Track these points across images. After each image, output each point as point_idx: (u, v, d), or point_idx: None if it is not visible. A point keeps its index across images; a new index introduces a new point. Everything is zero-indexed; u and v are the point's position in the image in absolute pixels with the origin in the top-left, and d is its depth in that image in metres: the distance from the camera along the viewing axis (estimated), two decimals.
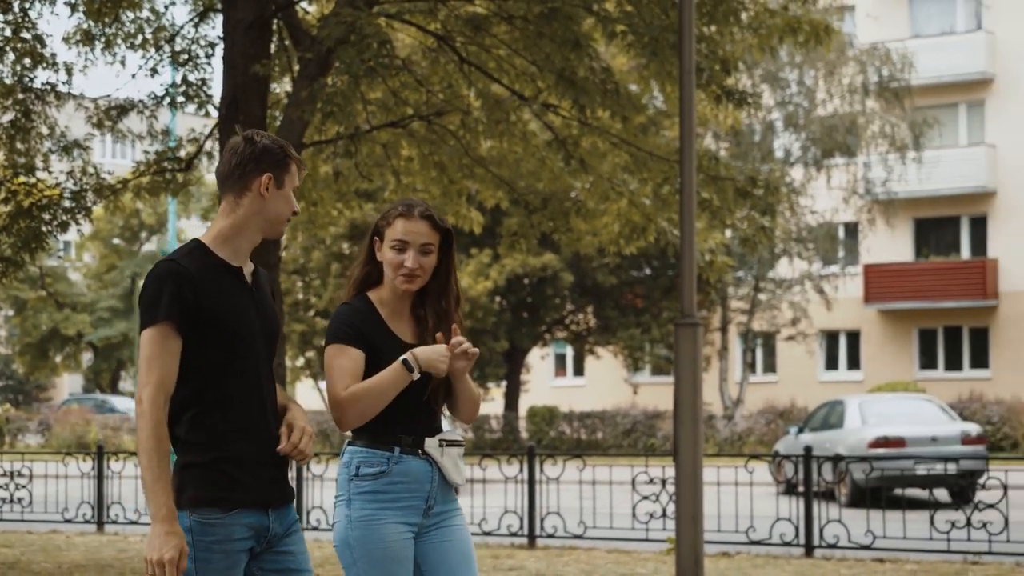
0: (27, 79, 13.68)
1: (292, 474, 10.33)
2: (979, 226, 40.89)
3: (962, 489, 19.11)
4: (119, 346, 56.72)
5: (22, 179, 13.70)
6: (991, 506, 13.51)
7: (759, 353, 43.84)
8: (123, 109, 14.55)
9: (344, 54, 11.79)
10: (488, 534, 15.18)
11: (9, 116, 13.83)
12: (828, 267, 40.21)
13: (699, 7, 12.71)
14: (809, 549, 14.05)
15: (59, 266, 55.50)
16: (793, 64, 37.09)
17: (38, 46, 13.53)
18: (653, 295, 37.97)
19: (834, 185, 38.19)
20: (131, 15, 14.41)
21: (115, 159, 54.31)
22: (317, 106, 12.12)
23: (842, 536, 13.95)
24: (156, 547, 4.06)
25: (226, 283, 4.30)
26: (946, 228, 41.58)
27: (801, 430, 23.88)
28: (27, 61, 13.58)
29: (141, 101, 14.49)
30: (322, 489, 16.07)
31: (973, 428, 21.82)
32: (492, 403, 41.42)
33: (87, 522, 17.29)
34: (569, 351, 45.95)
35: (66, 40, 14.38)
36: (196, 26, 14.66)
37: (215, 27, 14.80)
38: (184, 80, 14.43)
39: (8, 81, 13.67)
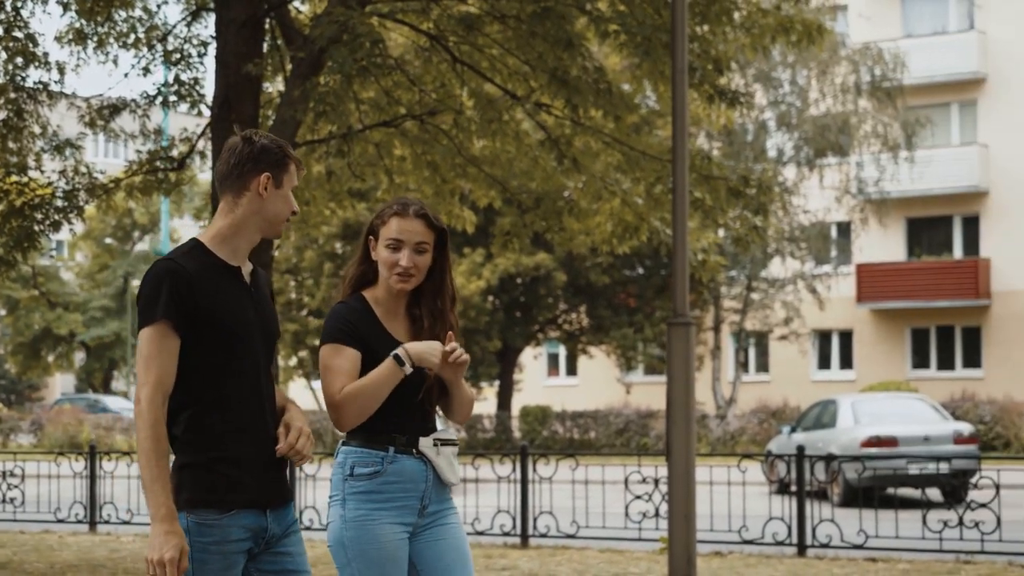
0: (19, 78, 13.67)
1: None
2: (971, 226, 40.94)
3: (954, 488, 19.13)
4: (111, 346, 56.69)
5: (14, 178, 13.69)
6: (983, 505, 13.52)
7: (752, 352, 43.88)
8: (115, 108, 14.53)
9: (337, 53, 11.78)
10: (481, 534, 15.18)
11: (1, 115, 13.81)
12: (821, 267, 40.23)
13: (692, 7, 12.72)
14: (802, 548, 14.06)
15: (51, 265, 55.46)
16: (786, 64, 37.11)
17: (30, 45, 13.52)
18: (646, 294, 37.98)
19: (827, 185, 38.22)
20: (123, 14, 14.40)
21: (107, 158, 54.23)
22: (310, 105, 12.11)
23: (835, 535, 13.96)
24: (156, 547, 4.06)
25: (224, 283, 4.30)
26: (938, 228, 41.63)
27: (794, 429, 23.90)
28: (19, 60, 13.56)
29: (133, 100, 14.48)
30: (315, 489, 16.05)
31: (965, 427, 21.84)
32: (485, 403, 41.42)
33: (79, 522, 17.27)
34: (562, 350, 45.96)
35: (58, 39, 14.37)
36: (188, 25, 14.65)
37: (208, 26, 14.79)
38: (176, 79, 14.42)
39: (0, 80, 13.65)
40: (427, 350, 4.70)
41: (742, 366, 40.83)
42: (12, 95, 13.70)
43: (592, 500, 15.71)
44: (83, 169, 13.95)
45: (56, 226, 13.46)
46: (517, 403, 40.47)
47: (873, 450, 20.19)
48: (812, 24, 13.39)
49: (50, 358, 55.87)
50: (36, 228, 13.25)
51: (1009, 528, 13.43)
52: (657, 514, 14.33)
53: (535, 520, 15.17)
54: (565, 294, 37.93)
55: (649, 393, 41.03)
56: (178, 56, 14.45)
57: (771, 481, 17.22)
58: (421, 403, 4.79)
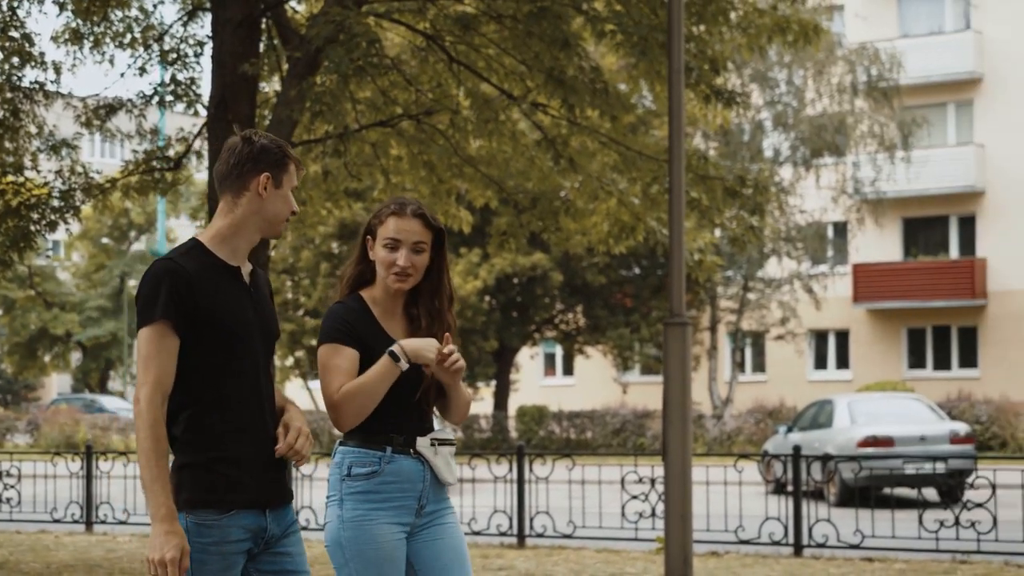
0: (15, 78, 13.65)
1: None
2: (968, 226, 40.96)
3: (951, 488, 19.13)
4: (108, 346, 56.67)
5: (10, 178, 13.67)
6: (979, 505, 13.53)
7: (748, 352, 43.89)
8: (112, 108, 14.52)
9: (333, 53, 11.78)
10: (477, 534, 15.17)
11: None
12: (817, 267, 40.25)
13: (688, 6, 12.72)
14: (798, 548, 14.06)
15: (48, 265, 55.44)
16: (782, 64, 37.12)
17: (26, 45, 13.50)
18: (642, 294, 37.99)
19: (823, 185, 38.24)
20: (120, 14, 14.38)
21: (104, 158, 54.24)
22: (306, 105, 12.11)
23: (831, 535, 13.96)
24: (157, 547, 4.05)
25: (224, 283, 4.29)
26: (935, 228, 41.66)
27: (790, 429, 23.90)
28: (15, 60, 13.54)
29: (130, 100, 14.47)
30: (311, 489, 16.04)
31: (962, 427, 21.86)
32: (481, 403, 41.42)
33: (76, 522, 17.25)
34: (558, 350, 45.97)
35: (54, 39, 14.35)
36: (185, 25, 14.64)
37: (204, 26, 14.79)
38: (173, 79, 14.41)
39: None
40: (423, 346, 4.69)
41: (738, 366, 40.84)
42: (8, 95, 13.68)
43: (588, 500, 15.71)
44: (79, 169, 13.94)
45: (52, 226, 13.45)
46: (513, 403, 40.47)
47: (869, 450, 20.20)
48: (808, 24, 13.39)
49: (46, 358, 55.84)
50: (32, 228, 13.23)
51: (1005, 528, 13.44)
52: (653, 514, 14.33)
53: (531, 520, 15.16)
54: (561, 294, 37.94)
55: (645, 393, 41.03)
56: (174, 56, 14.44)
57: (767, 481, 17.21)
58: (418, 403, 4.78)
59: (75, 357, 59.16)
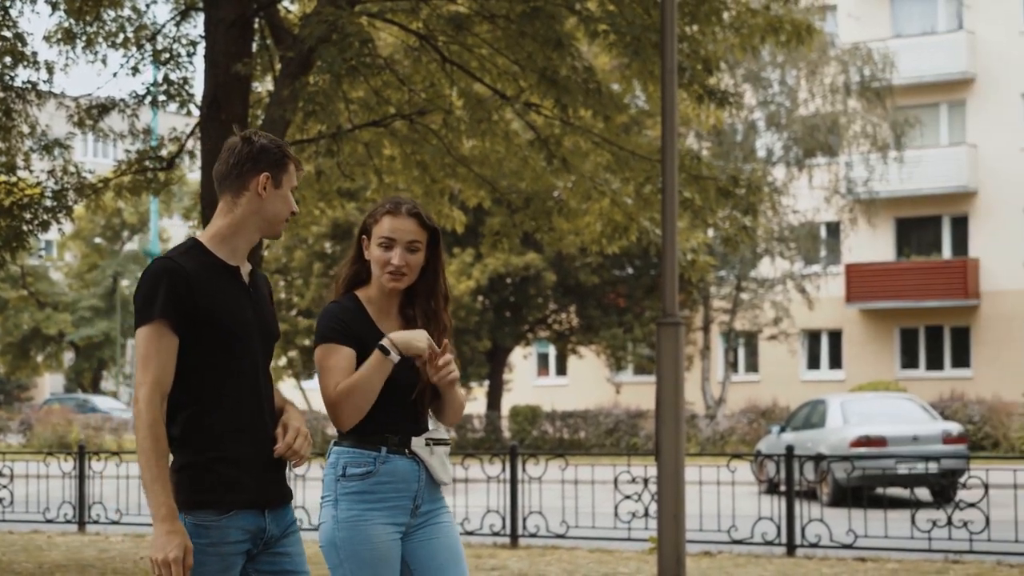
0: (8, 77, 13.63)
1: None
2: (960, 226, 41.01)
3: (943, 488, 19.15)
4: (100, 345, 56.63)
5: (3, 178, 13.64)
6: (972, 505, 13.54)
7: (741, 352, 43.90)
8: (104, 108, 14.51)
9: (326, 53, 11.78)
10: (470, 534, 15.17)
11: None
12: (810, 267, 40.28)
13: (681, 6, 12.72)
14: (791, 548, 14.07)
15: (40, 265, 55.35)
16: (775, 64, 37.15)
17: (19, 44, 13.48)
18: (635, 294, 37.99)
19: (816, 185, 38.27)
20: (112, 13, 14.38)
21: (96, 158, 54.15)
22: (299, 105, 12.11)
23: (824, 535, 13.97)
24: (159, 547, 4.04)
25: (223, 282, 4.28)
26: (927, 228, 41.70)
27: (783, 429, 23.91)
28: (8, 59, 13.53)
29: (122, 100, 14.46)
30: (304, 489, 16.03)
31: (954, 427, 21.87)
32: (474, 403, 41.38)
33: (68, 522, 17.24)
34: (552, 350, 45.95)
35: (47, 38, 14.34)
36: (178, 25, 14.64)
37: (197, 26, 14.77)
38: (166, 79, 14.41)
39: None
40: (412, 337, 4.68)
41: (731, 366, 40.85)
42: (1, 95, 13.67)
43: (582, 500, 15.72)
44: (72, 169, 13.92)
45: (45, 226, 13.43)
46: (507, 403, 40.46)
47: (862, 450, 20.21)
48: (801, 24, 13.40)
49: (39, 358, 55.79)
50: (25, 228, 13.21)
51: (997, 528, 13.46)
52: (646, 514, 14.33)
53: (524, 520, 15.17)
54: (555, 294, 37.93)
55: (639, 393, 41.03)
56: (167, 56, 14.44)
57: (760, 481, 17.26)
58: (414, 404, 4.78)
59: (68, 357, 59.10)
